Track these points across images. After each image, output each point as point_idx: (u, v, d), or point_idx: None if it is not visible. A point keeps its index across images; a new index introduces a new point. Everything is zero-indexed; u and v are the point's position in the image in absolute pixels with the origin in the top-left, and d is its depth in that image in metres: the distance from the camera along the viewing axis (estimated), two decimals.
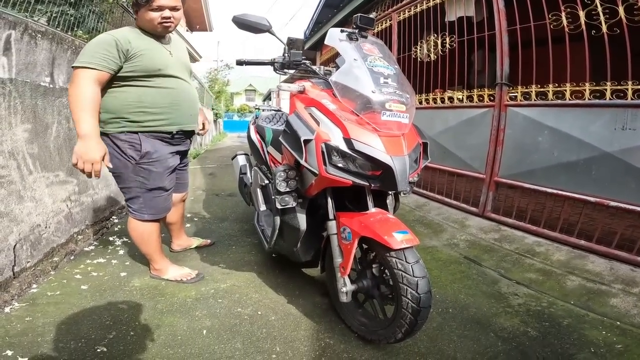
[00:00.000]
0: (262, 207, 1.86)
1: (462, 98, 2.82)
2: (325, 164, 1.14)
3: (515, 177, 2.38)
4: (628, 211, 1.76)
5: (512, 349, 1.29)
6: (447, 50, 2.97)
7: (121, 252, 2.06)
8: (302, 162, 1.19)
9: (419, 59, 3.33)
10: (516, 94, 2.36)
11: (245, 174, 2.32)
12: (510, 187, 2.45)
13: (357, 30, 1.34)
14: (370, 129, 1.14)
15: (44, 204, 1.92)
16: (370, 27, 1.38)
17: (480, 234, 2.40)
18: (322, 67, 1.54)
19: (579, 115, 2.00)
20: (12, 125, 1.77)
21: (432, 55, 3.15)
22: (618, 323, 1.43)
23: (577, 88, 1.99)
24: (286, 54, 1.46)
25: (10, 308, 1.43)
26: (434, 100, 3.15)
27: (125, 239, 2.24)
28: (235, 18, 1.39)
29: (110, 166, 1.46)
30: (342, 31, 1.33)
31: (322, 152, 1.14)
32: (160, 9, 1.43)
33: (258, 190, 1.87)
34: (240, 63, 1.56)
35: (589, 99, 1.93)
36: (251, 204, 2.23)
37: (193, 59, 12.13)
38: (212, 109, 13.50)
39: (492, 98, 2.55)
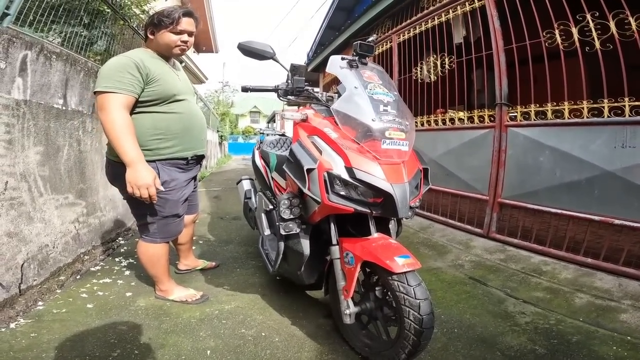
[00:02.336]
0: (267, 232, 1.89)
1: (464, 119, 2.90)
2: (327, 192, 1.18)
3: (519, 197, 2.41)
4: (633, 229, 1.78)
5: None
6: (446, 71, 3.07)
7: (127, 272, 2.09)
8: (305, 190, 1.24)
9: (419, 80, 3.44)
10: (516, 114, 2.42)
11: (249, 198, 2.38)
12: (514, 207, 2.47)
13: (357, 58, 1.41)
14: (371, 158, 1.18)
15: (52, 225, 1.98)
16: (369, 54, 1.45)
17: (485, 254, 2.40)
18: (324, 93, 1.62)
19: (578, 134, 2.04)
20: (24, 148, 1.84)
21: (432, 76, 3.25)
22: (629, 338, 1.43)
23: (575, 106, 2.05)
24: (289, 81, 1.55)
25: (16, 324, 1.46)
26: (435, 122, 3.24)
27: (131, 260, 2.28)
28: (240, 45, 1.47)
29: (162, 188, 1.46)
30: (342, 59, 1.40)
31: (325, 180, 1.19)
32: (182, 32, 1.50)
33: (262, 215, 1.90)
34: (245, 90, 1.64)
35: (587, 117, 1.98)
36: (255, 227, 2.27)
37: (199, 81, 12.32)
38: (218, 131, 13.61)
39: (492, 119, 2.61)
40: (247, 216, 2.42)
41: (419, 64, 3.41)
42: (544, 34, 2.18)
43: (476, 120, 2.76)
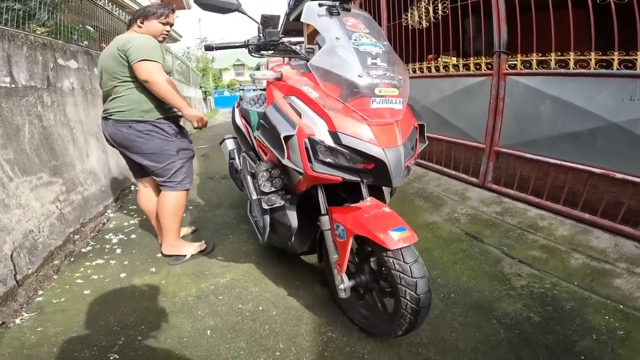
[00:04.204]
0: (254, 196, 1.80)
1: (459, 66, 2.70)
2: (310, 161, 1.06)
3: (516, 146, 2.32)
4: (634, 183, 1.72)
5: (515, 337, 1.30)
6: (439, 17, 2.78)
7: (118, 251, 2.06)
8: (285, 161, 1.11)
9: (410, 27, 3.13)
10: (515, 63, 2.25)
11: (234, 158, 2.22)
12: (511, 156, 2.39)
13: (338, 3, 1.19)
14: (359, 119, 1.04)
15: (32, 208, 1.90)
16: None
17: (481, 206, 2.38)
18: (303, 45, 1.41)
19: (583, 85, 1.90)
20: None
21: (423, 23, 2.95)
22: (621, 307, 1.42)
23: (582, 57, 1.88)
24: (261, 34, 1.33)
25: (21, 319, 1.46)
26: (428, 68, 3.02)
27: (121, 236, 2.24)
28: (196, 0, 1.23)
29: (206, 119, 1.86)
30: (320, 5, 1.18)
31: (306, 148, 1.05)
32: (167, 24, 1.82)
33: (248, 177, 1.77)
34: (209, 48, 1.44)
35: (594, 69, 1.82)
36: (243, 189, 2.15)
37: (173, 40, 11.57)
38: (200, 87, 13.50)
39: (489, 66, 2.42)
40: (234, 178, 2.27)
41: (409, 9, 3.06)
42: None
43: (472, 67, 2.57)
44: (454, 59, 2.79)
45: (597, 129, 1.85)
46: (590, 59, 1.83)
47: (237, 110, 2.19)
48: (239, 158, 2.18)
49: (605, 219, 1.85)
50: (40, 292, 1.65)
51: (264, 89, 2.19)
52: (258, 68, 19.22)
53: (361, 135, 1.02)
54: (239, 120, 2.10)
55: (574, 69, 1.92)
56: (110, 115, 1.74)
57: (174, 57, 9.10)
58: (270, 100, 1.26)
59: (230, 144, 2.29)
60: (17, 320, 1.44)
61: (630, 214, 1.76)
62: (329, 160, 1.06)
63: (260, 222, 1.73)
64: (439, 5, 2.75)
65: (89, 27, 3.82)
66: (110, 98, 1.74)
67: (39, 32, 2.63)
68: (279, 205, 1.32)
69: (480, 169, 2.58)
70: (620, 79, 1.73)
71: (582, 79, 1.91)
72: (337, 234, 1.20)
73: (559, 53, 1.98)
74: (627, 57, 1.69)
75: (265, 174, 1.28)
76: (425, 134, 1.28)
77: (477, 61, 2.51)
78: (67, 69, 2.69)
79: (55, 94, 2.47)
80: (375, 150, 1.01)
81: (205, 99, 14.68)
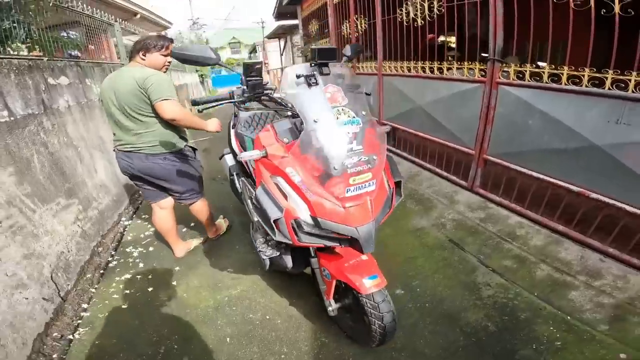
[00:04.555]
0: (256, 218, 2.02)
1: (452, 69, 2.70)
2: (297, 234, 1.22)
3: (504, 156, 2.43)
4: (607, 204, 1.85)
5: (471, 345, 1.58)
6: (435, 16, 2.69)
7: (141, 265, 2.36)
8: (276, 238, 1.25)
9: (404, 23, 3.05)
10: (509, 71, 2.25)
11: (234, 175, 2.31)
12: (498, 165, 2.51)
13: (316, 71, 1.25)
14: (334, 204, 1.16)
15: (58, 232, 2.14)
16: (332, 60, 1.29)
17: (467, 211, 2.58)
18: (283, 94, 1.40)
19: (573, 102, 1.93)
20: None
21: (418, 20, 2.87)
22: (568, 318, 1.63)
23: (575, 72, 1.88)
24: (244, 87, 1.42)
25: (78, 333, 1.79)
26: (423, 69, 3.01)
27: (140, 249, 2.53)
28: (174, 54, 1.31)
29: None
30: (297, 76, 1.23)
31: (293, 227, 1.22)
32: (167, 55, 1.97)
33: (249, 201, 1.89)
34: (195, 103, 1.50)
35: (586, 86, 1.84)
36: (245, 205, 2.29)
37: (163, 27, 11.12)
38: (196, 71, 13.83)
39: (483, 73, 2.43)
40: (236, 193, 2.40)
41: (404, 4, 2.96)
42: None
43: (466, 73, 2.56)
44: (447, 64, 2.77)
45: (580, 149, 1.93)
46: (584, 75, 1.84)
47: (232, 132, 2.28)
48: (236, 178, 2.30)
49: (577, 231, 2.03)
50: (85, 305, 1.97)
51: (257, 110, 2.09)
52: (254, 48, 18.26)
53: (337, 219, 1.17)
54: (235, 144, 2.20)
55: (566, 84, 1.94)
56: (139, 150, 1.93)
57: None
58: (259, 180, 1.36)
59: (229, 160, 2.38)
60: (76, 335, 1.77)
61: (599, 229, 1.92)
62: (312, 231, 1.23)
63: (262, 255, 1.92)
64: (435, 3, 2.66)
65: (72, 33, 3.70)
66: (135, 132, 1.90)
67: (29, 54, 2.58)
68: (276, 255, 1.55)
69: (469, 173, 2.71)
70: (610, 100, 1.75)
71: (573, 95, 1.92)
72: (324, 274, 1.46)
73: (552, 66, 1.98)
74: (620, 77, 1.69)
75: (262, 239, 1.50)
76: (402, 189, 1.44)
77: (470, 67, 2.50)
78: (59, 87, 2.69)
79: (54, 116, 2.50)
80: (349, 230, 1.17)
81: (202, 82, 14.92)
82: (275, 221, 1.22)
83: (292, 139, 1.28)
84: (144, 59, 1.91)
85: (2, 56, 2.24)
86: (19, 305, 1.63)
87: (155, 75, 1.81)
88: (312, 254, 1.47)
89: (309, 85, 1.22)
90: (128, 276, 2.24)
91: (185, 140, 2.12)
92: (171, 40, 2.00)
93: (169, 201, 2.23)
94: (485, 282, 1.96)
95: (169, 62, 2.00)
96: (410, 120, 3.42)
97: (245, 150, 2.04)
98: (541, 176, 2.18)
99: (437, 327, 1.69)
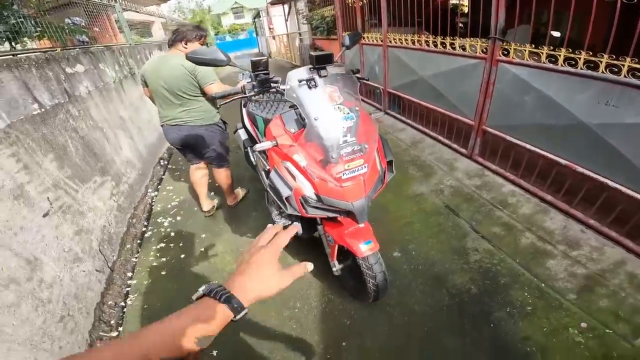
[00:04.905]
0: (271, 194, 2.27)
1: (455, 46, 2.74)
2: (304, 208, 1.49)
3: (501, 128, 2.56)
4: (591, 178, 2.02)
5: (453, 305, 1.80)
6: None
7: (172, 234, 2.69)
8: (288, 211, 1.52)
9: None
10: (509, 50, 2.31)
11: (248, 148, 2.52)
12: (495, 136, 2.65)
13: (315, 72, 1.42)
14: (334, 185, 1.41)
15: (98, 208, 2.44)
16: (330, 63, 1.44)
17: (465, 178, 2.77)
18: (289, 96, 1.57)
19: (567, 83, 2.01)
20: (39, 164, 2.01)
21: None
22: (542, 285, 1.80)
23: (572, 55, 1.93)
24: (253, 82, 1.59)
25: (130, 299, 2.14)
26: (427, 42, 3.04)
27: (170, 219, 2.85)
28: (189, 57, 1.45)
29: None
30: (299, 80, 1.41)
31: (301, 202, 1.48)
32: (203, 44, 2.34)
33: (263, 173, 2.11)
34: (214, 99, 1.71)
35: (581, 68, 1.90)
36: (259, 175, 2.51)
37: (161, 1, 10.51)
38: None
39: (484, 50, 2.48)
40: (251, 164, 2.60)
41: None
42: None
43: (468, 49, 2.61)
44: (449, 39, 2.81)
45: (569, 126, 2.06)
46: (580, 58, 1.90)
47: (244, 111, 2.45)
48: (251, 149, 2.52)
49: (563, 201, 2.23)
50: (129, 274, 2.34)
51: (267, 98, 2.31)
52: (258, 14, 17.30)
53: (336, 196, 1.42)
54: (247, 122, 2.39)
55: (562, 65, 2.01)
56: (185, 123, 2.37)
57: (167, 26, 9.01)
58: (272, 164, 1.60)
59: (243, 134, 2.59)
60: (128, 301, 2.12)
61: (584, 200, 2.11)
62: (317, 205, 1.49)
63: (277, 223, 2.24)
64: None
65: (76, 19, 3.64)
66: (183, 109, 2.34)
67: (43, 47, 2.65)
68: (289, 223, 1.83)
69: (469, 142, 2.86)
70: (603, 83, 1.83)
71: (567, 76, 2.00)
72: (328, 239, 1.75)
73: (551, 47, 2.03)
74: (614, 62, 1.75)
75: (276, 211, 1.74)
76: (394, 167, 1.64)
77: (472, 43, 2.55)
78: (77, 75, 2.83)
79: (78, 103, 2.67)
80: (346, 204, 1.42)
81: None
82: (287, 198, 1.47)
83: (298, 129, 1.53)
84: (185, 48, 2.26)
85: (21, 51, 2.39)
86: (79, 278, 1.97)
87: (205, 68, 2.21)
88: (319, 222, 1.74)
89: (309, 87, 1.40)
90: (162, 245, 2.59)
91: (219, 114, 2.52)
92: (205, 31, 2.39)
93: (203, 164, 2.72)
94: (473, 248, 2.21)
95: None
96: (414, 90, 3.51)
97: (256, 127, 2.24)
98: (534, 148, 2.33)
99: (427, 288, 1.96)
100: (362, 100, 5.21)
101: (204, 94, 2.33)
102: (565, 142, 2.12)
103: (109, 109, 3.19)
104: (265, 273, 0.54)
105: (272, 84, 1.58)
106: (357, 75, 1.62)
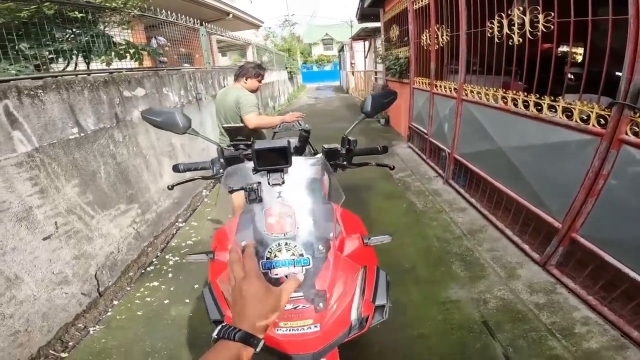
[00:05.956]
0: None
1: (557, 109, 2.08)
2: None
3: (600, 242, 1.82)
4: None
5: None
6: (540, 33, 2.14)
7: (170, 275, 2.60)
8: (214, 335, 1.13)
9: (496, 39, 2.54)
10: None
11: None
12: (588, 250, 1.90)
13: (265, 175, 1.01)
14: (269, 330, 0.96)
15: (112, 235, 2.46)
16: (283, 165, 0.99)
17: (524, 292, 2.07)
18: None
19: None
20: (59, 189, 2.03)
21: (515, 38, 2.34)
22: None
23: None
24: (220, 158, 1.36)
25: (93, 329, 2.10)
26: (514, 101, 2.47)
27: (176, 259, 2.79)
28: (142, 115, 1.25)
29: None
30: (241, 188, 1.05)
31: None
32: (261, 82, 2.76)
33: None
34: (176, 169, 1.44)
35: None
36: None
37: (255, 26, 12.68)
38: (286, 68, 15.68)
39: (602, 121, 1.80)
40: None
41: (495, 17, 2.46)
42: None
43: (576, 116, 1.93)
44: (548, 100, 2.13)
45: None
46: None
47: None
48: None
49: None
50: (116, 302, 2.30)
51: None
52: (342, 48, 19.17)
53: (270, 343, 0.95)
54: None
55: None
56: None
57: (259, 51, 10.36)
58: (210, 277, 1.22)
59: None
60: (91, 331, 2.07)
61: None
62: None
63: None
64: (540, 16, 2.07)
65: (160, 38, 4.15)
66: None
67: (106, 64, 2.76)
68: None
69: (546, 248, 2.15)
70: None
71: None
72: None
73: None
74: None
75: None
76: (386, 311, 1.02)
77: (582, 108, 1.87)
78: (134, 99, 2.82)
79: (126, 128, 2.67)
80: (285, 355, 0.95)
81: (291, 79, 16.89)
82: (215, 321, 1.11)
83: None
84: (246, 83, 2.66)
85: (72, 76, 2.33)
86: (57, 299, 1.98)
87: (244, 96, 2.53)
88: None
89: (249, 201, 1.00)
90: (156, 284, 2.52)
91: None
92: (265, 69, 2.80)
93: None
94: None
95: (260, 85, 2.76)
96: (486, 162, 2.90)
97: None
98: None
99: None
100: (425, 161, 4.65)
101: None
102: None
103: (160, 135, 3.17)
104: (263, 298, 0.58)
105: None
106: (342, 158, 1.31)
